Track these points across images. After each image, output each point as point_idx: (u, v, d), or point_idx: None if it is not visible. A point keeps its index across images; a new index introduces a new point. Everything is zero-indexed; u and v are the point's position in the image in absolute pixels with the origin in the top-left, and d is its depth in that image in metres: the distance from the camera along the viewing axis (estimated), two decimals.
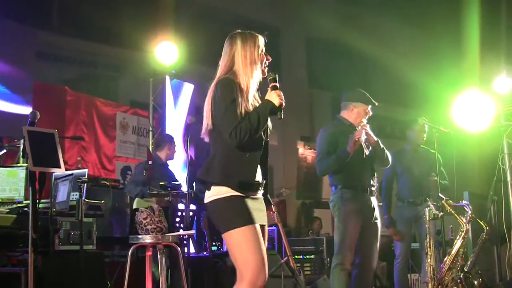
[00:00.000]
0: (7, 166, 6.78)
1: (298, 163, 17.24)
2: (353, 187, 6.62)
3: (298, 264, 9.71)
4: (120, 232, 8.21)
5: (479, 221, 6.97)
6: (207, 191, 4.24)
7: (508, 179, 9.34)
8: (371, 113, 6.80)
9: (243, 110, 4.13)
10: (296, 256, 9.94)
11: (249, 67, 4.30)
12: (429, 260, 6.41)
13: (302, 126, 17.57)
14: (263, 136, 4.31)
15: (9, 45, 10.01)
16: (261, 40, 4.41)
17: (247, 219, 4.11)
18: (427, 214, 6.56)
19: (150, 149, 10.69)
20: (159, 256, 5.80)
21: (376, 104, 6.79)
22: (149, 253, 6.02)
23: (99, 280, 6.77)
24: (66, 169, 7.28)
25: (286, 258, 8.07)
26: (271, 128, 4.43)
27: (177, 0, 14.42)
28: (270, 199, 4.55)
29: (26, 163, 5.30)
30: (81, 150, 10.45)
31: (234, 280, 5.02)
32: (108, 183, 8.23)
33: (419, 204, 8.08)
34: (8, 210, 6.04)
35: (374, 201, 6.73)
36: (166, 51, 10.65)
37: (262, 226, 4.31)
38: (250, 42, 4.36)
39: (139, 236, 5.77)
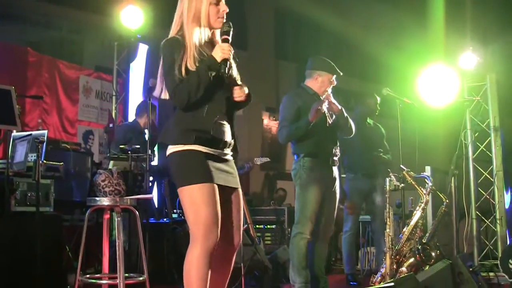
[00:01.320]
0: None
1: (263, 134, 17.22)
2: (315, 156, 6.57)
3: (259, 234, 9.72)
4: (80, 196, 8.12)
5: (439, 193, 6.98)
6: (168, 145, 4.16)
7: (470, 154, 9.40)
8: (335, 82, 6.76)
9: (184, 70, 4.03)
10: (257, 226, 9.95)
11: (193, 23, 4.15)
12: (387, 230, 6.42)
13: (268, 97, 17.52)
14: (222, 93, 4.19)
15: None
16: None
17: (204, 177, 4.02)
18: (387, 184, 6.55)
19: (113, 114, 10.62)
20: (116, 219, 5.74)
21: (341, 73, 6.74)
22: (106, 216, 5.95)
23: (56, 243, 6.69)
24: (26, 131, 7.19)
25: (246, 226, 8.04)
26: (237, 81, 4.34)
27: None
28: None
29: None
30: (42, 112, 10.33)
31: None
32: (69, 147, 8.12)
33: (373, 176, 8.16)
34: None
35: (335, 171, 6.71)
36: (131, 15, 10.50)
37: (233, 189, 4.26)
38: None
39: (97, 199, 5.71)
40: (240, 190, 4.36)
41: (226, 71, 4.08)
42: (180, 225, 7.89)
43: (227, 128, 4.23)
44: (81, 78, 11.29)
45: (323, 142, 6.58)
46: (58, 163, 6.94)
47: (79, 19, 13.26)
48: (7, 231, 5.85)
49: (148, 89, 7.59)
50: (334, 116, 6.59)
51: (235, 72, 4.32)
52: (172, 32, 4.20)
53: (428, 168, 8.68)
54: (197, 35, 4.15)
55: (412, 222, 6.66)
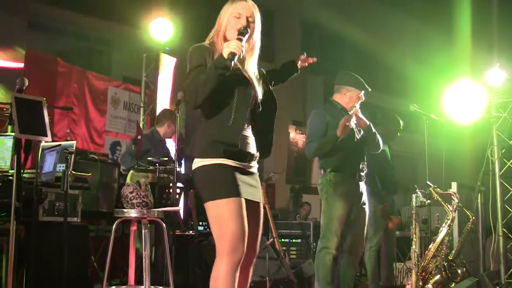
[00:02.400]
0: None
1: (289, 147, 17.23)
2: (342, 171, 6.57)
3: (284, 248, 9.71)
4: (106, 207, 8.18)
5: (465, 210, 6.96)
6: (195, 158, 4.14)
7: (497, 171, 9.34)
8: (363, 98, 6.77)
9: None
10: (283, 240, 9.96)
11: (223, 34, 4.21)
12: (413, 247, 6.39)
13: (295, 110, 17.57)
14: (247, 103, 4.16)
15: (1, 15, 9.88)
16: (238, 4, 4.23)
17: (231, 191, 3.99)
18: (414, 200, 6.52)
19: (141, 125, 10.68)
20: (143, 231, 5.76)
21: (369, 89, 6.76)
22: (133, 228, 5.99)
23: (82, 253, 6.74)
24: (55, 141, 7.25)
25: (272, 239, 8.06)
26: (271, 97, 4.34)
27: None
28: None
29: (13, 131, 5.24)
30: (70, 122, 10.40)
31: None
32: (96, 157, 8.19)
33: (395, 193, 8.20)
34: None
35: (362, 186, 6.70)
36: (160, 27, 10.59)
37: (255, 203, 4.22)
38: (227, 5, 4.25)
39: (124, 210, 5.74)
40: (261, 204, 4.32)
41: (231, 64, 3.94)
42: (206, 237, 7.90)
43: (251, 140, 4.24)
44: (110, 89, 11.36)
45: (351, 157, 6.58)
46: (86, 174, 6.99)
47: (108, 30, 13.39)
48: (35, 240, 5.88)
49: (177, 102, 7.60)
50: (362, 132, 6.60)
51: (252, 72, 4.30)
52: (206, 40, 4.25)
53: (454, 185, 8.63)
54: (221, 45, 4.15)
55: (438, 239, 6.63)
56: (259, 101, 4.28)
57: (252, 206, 4.19)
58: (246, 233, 4.00)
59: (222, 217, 3.95)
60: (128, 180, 7.57)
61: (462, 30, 14.79)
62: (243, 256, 3.98)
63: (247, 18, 4.19)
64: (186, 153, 4.43)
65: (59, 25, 12.81)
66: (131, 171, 7.81)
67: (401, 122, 8.48)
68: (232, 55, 3.93)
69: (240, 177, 4.08)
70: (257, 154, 4.26)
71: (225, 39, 4.19)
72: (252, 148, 4.23)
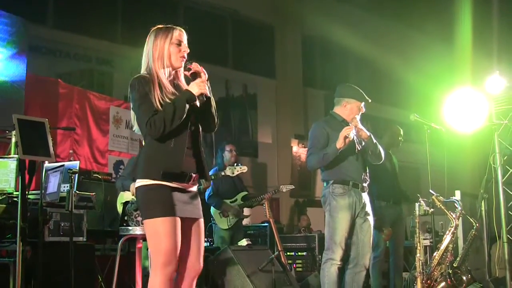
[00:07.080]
0: None
1: (292, 161, 17.26)
2: (344, 183, 6.57)
3: (290, 261, 9.72)
4: (112, 226, 8.21)
5: (469, 217, 6.97)
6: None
7: (499, 178, 9.35)
8: (364, 109, 6.78)
9: (157, 103, 4.21)
10: (288, 253, 9.96)
11: (158, 61, 4.38)
12: (418, 255, 6.40)
13: (297, 124, 17.60)
14: (188, 126, 4.35)
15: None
16: (176, 32, 4.47)
17: (166, 211, 4.21)
18: (417, 209, 6.55)
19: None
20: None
21: (369, 100, 6.77)
22: (139, 245, 6.02)
23: (89, 272, 6.77)
24: (58, 162, 7.29)
25: (277, 253, 8.07)
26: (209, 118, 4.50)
27: None
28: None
29: (17, 152, 5.29)
30: (73, 143, 10.43)
31: (224, 274, 4.98)
32: (100, 177, 8.24)
33: (399, 203, 8.19)
34: None
35: (365, 197, 6.70)
36: None
37: (195, 220, 4.43)
38: (162, 36, 4.43)
39: (129, 228, 5.78)
40: (201, 220, 4.51)
41: (203, 105, 4.38)
42: (212, 253, 7.92)
43: (194, 161, 4.42)
44: (112, 109, 11.39)
45: (352, 169, 6.60)
46: (91, 194, 7.03)
47: (109, 50, 13.46)
48: (41, 260, 5.91)
49: None
50: (363, 143, 6.62)
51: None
52: (142, 70, 4.42)
53: (457, 193, 8.65)
54: (162, 72, 4.38)
55: (442, 247, 6.65)
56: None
57: (192, 223, 4.42)
58: (178, 249, 4.24)
59: (158, 234, 4.19)
60: (118, 199, 7.57)
61: (462, 38, 14.81)
62: (176, 269, 4.26)
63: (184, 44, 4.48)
64: (131, 176, 4.49)
65: (60, 47, 12.89)
66: (120, 193, 7.77)
67: (401, 130, 8.52)
68: (202, 95, 4.32)
69: (178, 196, 4.31)
70: (195, 175, 4.43)
71: (172, 66, 4.44)
72: (194, 169, 4.41)
